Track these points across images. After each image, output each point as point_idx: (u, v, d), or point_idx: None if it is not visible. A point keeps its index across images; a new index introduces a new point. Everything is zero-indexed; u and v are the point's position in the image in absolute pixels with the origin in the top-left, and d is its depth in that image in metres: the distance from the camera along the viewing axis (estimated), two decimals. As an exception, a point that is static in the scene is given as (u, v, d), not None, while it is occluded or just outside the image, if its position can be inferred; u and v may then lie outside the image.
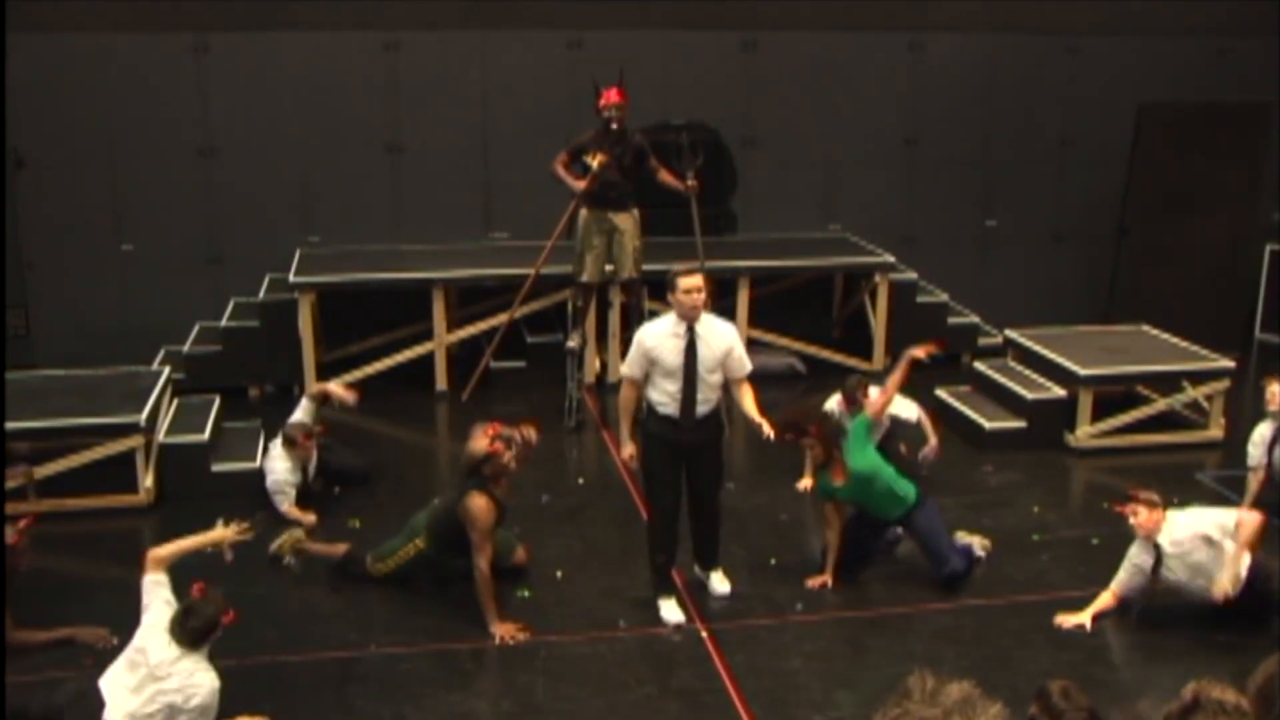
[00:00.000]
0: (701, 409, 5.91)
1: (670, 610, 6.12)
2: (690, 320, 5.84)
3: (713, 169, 9.64)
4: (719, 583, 6.38)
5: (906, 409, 7.58)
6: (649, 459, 6.03)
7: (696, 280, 5.83)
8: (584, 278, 8.79)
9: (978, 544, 6.64)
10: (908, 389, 7.21)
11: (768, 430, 5.96)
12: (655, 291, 9.23)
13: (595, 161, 8.44)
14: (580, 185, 8.54)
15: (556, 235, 8.85)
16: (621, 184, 8.59)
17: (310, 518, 7.15)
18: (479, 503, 5.89)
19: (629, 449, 6.11)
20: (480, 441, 5.99)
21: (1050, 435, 8.43)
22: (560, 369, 8.96)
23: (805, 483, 7.62)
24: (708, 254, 8.63)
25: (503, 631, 5.88)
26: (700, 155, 8.72)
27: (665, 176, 8.64)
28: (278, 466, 7.25)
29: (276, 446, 7.33)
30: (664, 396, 5.91)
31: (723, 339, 5.95)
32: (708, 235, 8.87)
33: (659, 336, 5.91)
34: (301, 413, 7.53)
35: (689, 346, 5.83)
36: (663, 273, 9.13)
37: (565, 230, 8.90)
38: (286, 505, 7.20)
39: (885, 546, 6.69)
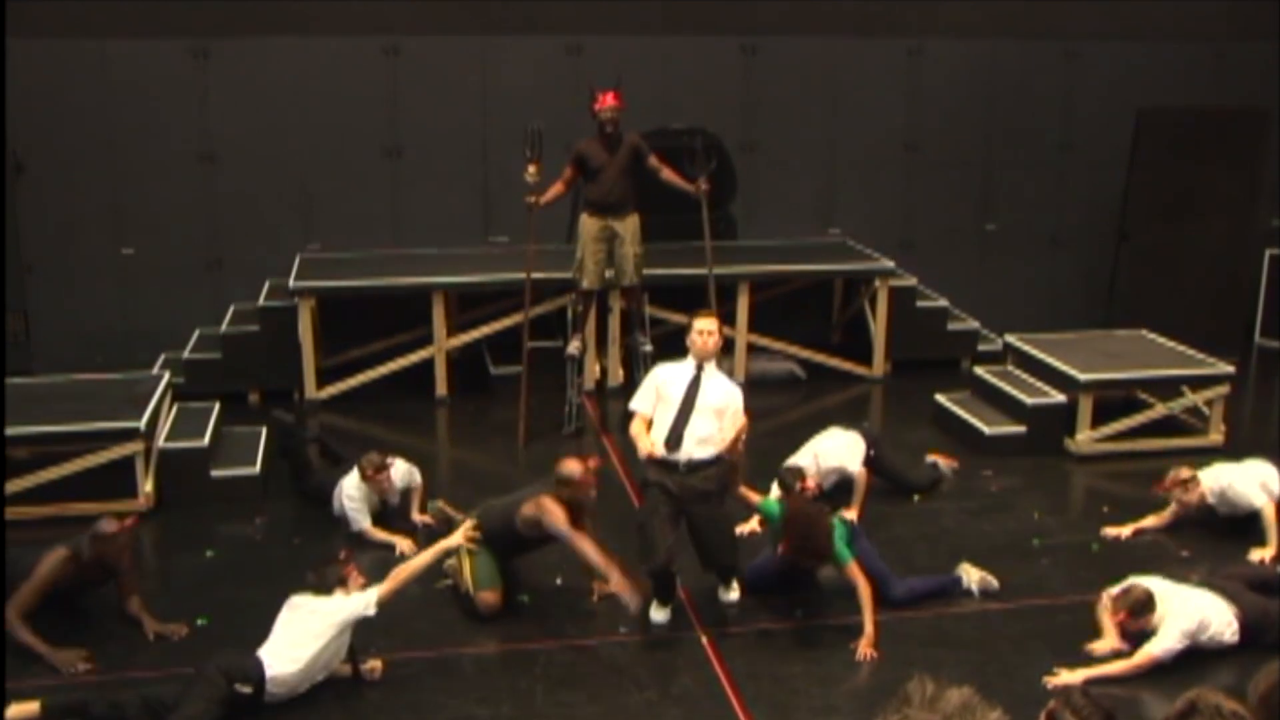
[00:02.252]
0: (696, 451, 5.81)
1: (660, 613, 6.13)
2: (701, 359, 5.94)
3: (715, 173, 9.65)
4: (729, 591, 6.37)
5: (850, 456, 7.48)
6: (643, 510, 5.97)
7: (711, 323, 5.98)
8: (584, 283, 8.79)
9: (976, 580, 6.46)
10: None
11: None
12: (656, 297, 9.27)
13: (530, 174, 8.35)
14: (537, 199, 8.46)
15: (531, 237, 8.73)
16: (622, 189, 8.58)
17: (405, 543, 6.92)
18: (549, 502, 5.93)
19: (648, 442, 5.87)
20: (574, 466, 6.06)
21: (1050, 440, 8.42)
22: (560, 374, 8.96)
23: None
24: (704, 259, 8.65)
25: (622, 588, 5.66)
26: (713, 159, 8.69)
27: (669, 175, 8.61)
28: (351, 496, 7.05)
29: (352, 477, 7.09)
30: (660, 434, 5.86)
31: (727, 390, 5.96)
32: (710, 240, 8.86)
33: (671, 371, 6.01)
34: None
35: (694, 381, 5.89)
36: (665, 278, 9.28)
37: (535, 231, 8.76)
38: (366, 525, 7.04)
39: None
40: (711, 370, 5.97)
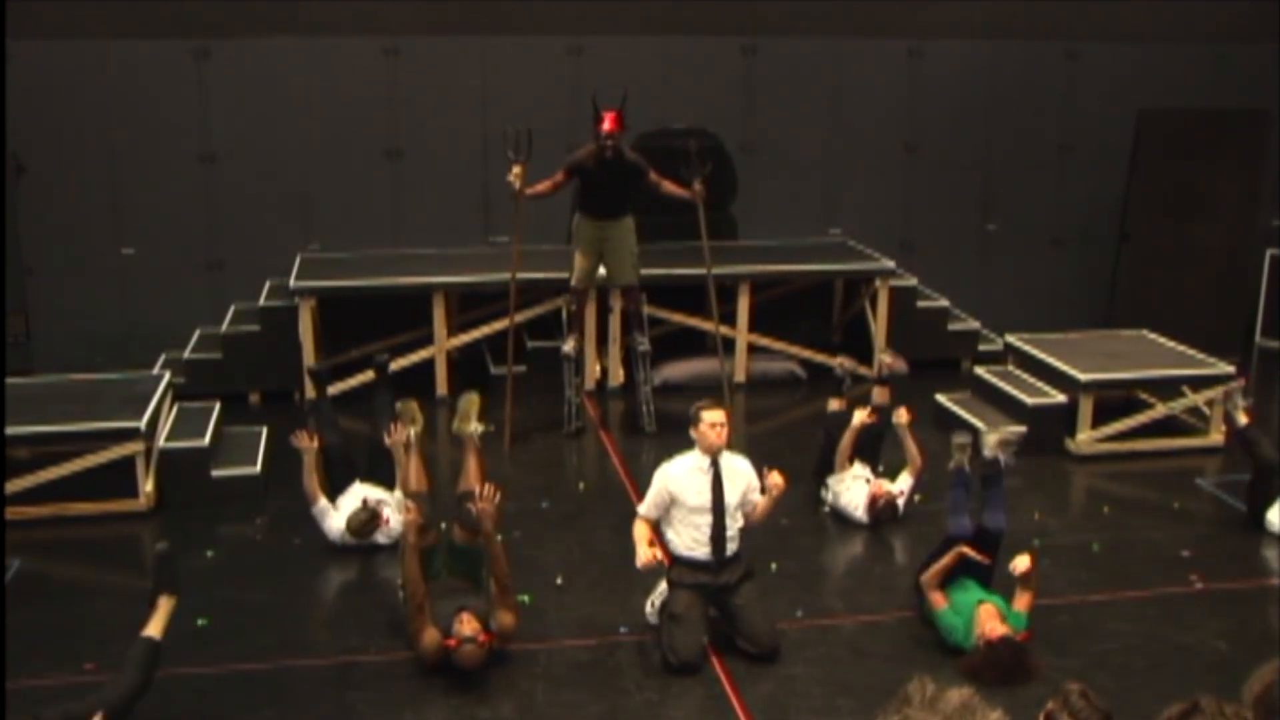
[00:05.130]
0: (730, 546, 5.79)
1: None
2: (713, 454, 5.77)
3: (713, 174, 9.62)
4: None
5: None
6: (674, 603, 5.76)
7: (721, 415, 5.77)
8: (572, 281, 8.77)
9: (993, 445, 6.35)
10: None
11: (775, 484, 5.82)
12: (655, 297, 9.27)
13: (513, 175, 8.21)
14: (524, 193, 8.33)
15: (516, 237, 8.68)
16: (617, 201, 8.53)
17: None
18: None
19: (647, 552, 5.65)
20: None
21: (1051, 441, 8.42)
22: (561, 374, 8.96)
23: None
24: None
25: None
26: (709, 163, 8.66)
27: (669, 188, 8.56)
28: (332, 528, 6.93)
29: (340, 512, 6.93)
30: (690, 540, 5.76)
31: (743, 472, 5.87)
32: (709, 240, 8.86)
33: (683, 472, 5.78)
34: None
35: (715, 480, 5.74)
36: (664, 278, 9.28)
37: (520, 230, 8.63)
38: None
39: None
40: (725, 460, 5.80)
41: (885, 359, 8.07)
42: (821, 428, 7.79)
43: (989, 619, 5.73)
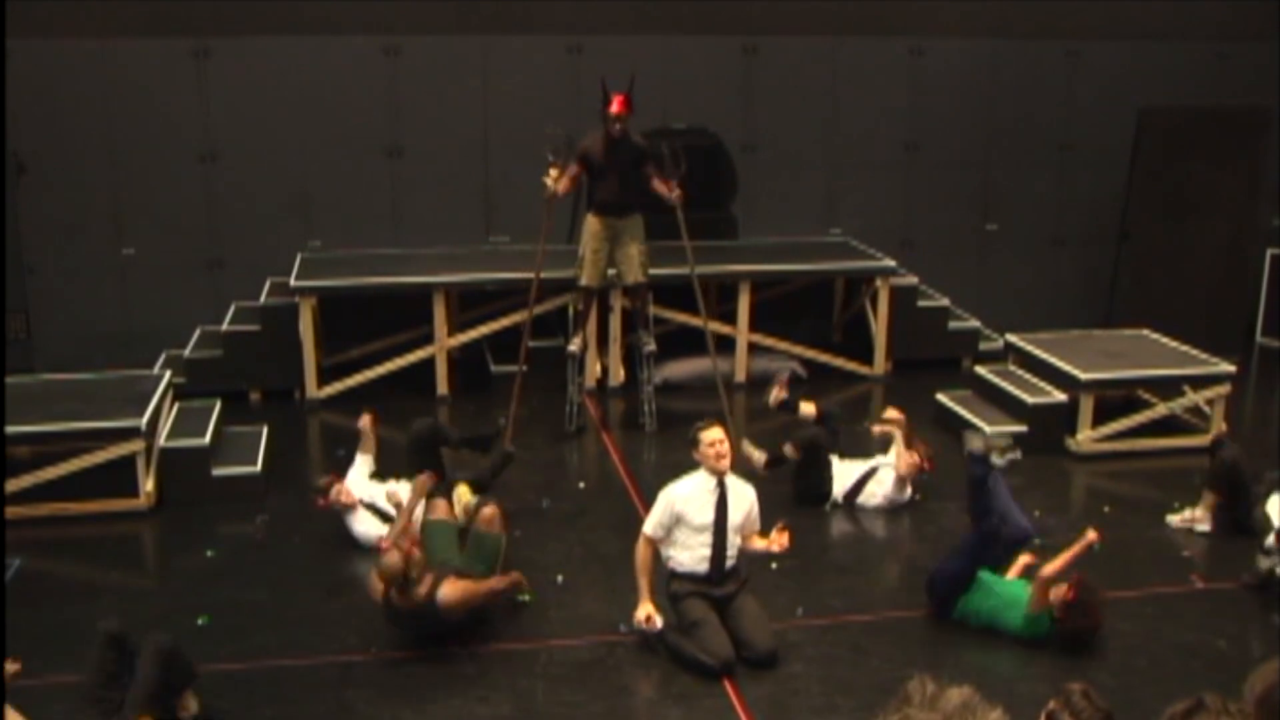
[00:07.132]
0: (729, 563, 5.87)
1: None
2: (720, 474, 5.80)
3: (714, 174, 9.61)
4: None
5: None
6: (690, 612, 5.79)
7: (718, 432, 5.81)
8: (583, 281, 8.78)
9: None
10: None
11: (779, 541, 5.92)
12: (658, 297, 9.26)
13: (551, 177, 8.28)
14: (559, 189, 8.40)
15: (543, 237, 8.72)
16: (626, 191, 8.55)
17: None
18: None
19: (647, 609, 5.79)
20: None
21: (1051, 440, 8.42)
22: (561, 374, 8.96)
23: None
24: (705, 258, 8.65)
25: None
26: (683, 164, 8.64)
27: (656, 185, 8.59)
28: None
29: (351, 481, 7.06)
30: (688, 555, 5.81)
31: (747, 495, 5.94)
32: (706, 240, 8.83)
33: (690, 493, 5.81)
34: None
35: (720, 501, 5.79)
36: (668, 278, 9.27)
37: (550, 232, 8.72)
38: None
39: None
40: (730, 482, 5.86)
41: (771, 399, 8.13)
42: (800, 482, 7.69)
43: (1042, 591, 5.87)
